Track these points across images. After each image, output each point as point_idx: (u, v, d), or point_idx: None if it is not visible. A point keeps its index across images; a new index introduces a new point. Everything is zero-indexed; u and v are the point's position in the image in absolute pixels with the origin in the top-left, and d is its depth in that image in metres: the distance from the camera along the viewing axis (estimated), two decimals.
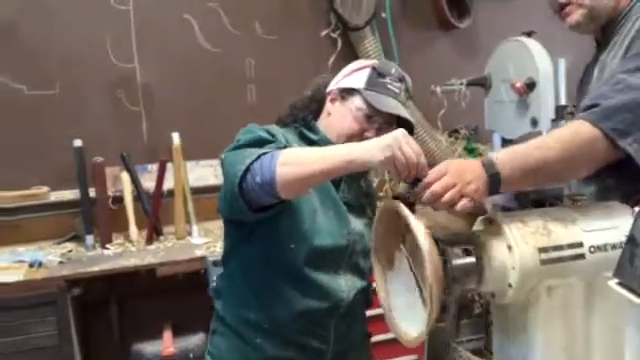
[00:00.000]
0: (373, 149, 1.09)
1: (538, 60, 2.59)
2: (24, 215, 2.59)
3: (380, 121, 1.34)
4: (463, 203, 1.06)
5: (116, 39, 2.71)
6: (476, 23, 3.31)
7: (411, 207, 1.09)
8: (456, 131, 3.29)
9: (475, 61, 3.08)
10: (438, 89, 2.90)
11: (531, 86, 2.62)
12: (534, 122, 2.62)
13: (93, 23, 2.67)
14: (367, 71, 1.38)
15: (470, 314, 2.98)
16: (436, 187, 1.07)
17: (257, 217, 1.22)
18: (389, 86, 1.35)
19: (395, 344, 2.61)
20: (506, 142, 2.91)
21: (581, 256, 1.10)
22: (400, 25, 3.13)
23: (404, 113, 1.32)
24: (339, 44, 2.99)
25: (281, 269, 1.31)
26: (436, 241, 1.07)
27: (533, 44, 2.64)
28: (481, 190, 1.09)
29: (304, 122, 1.43)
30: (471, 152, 3.33)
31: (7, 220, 2.57)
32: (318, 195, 1.34)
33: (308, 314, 1.32)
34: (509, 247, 1.08)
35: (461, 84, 2.90)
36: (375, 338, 2.49)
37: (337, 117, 1.37)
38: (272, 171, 1.12)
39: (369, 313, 1.53)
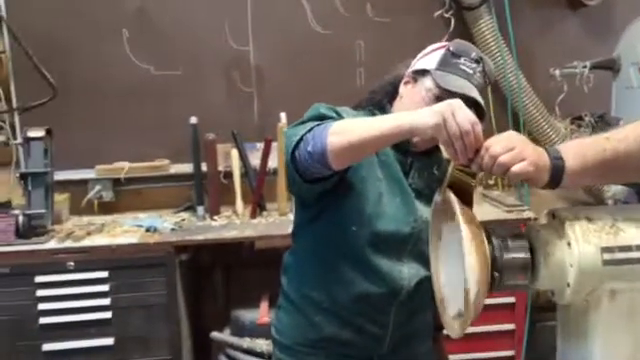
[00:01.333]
0: (423, 114, 1.07)
1: None
2: (148, 185, 2.87)
3: None
4: (523, 165, 0.98)
5: (234, 23, 2.86)
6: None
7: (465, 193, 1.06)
8: (580, 118, 3.04)
9: (606, 43, 2.82)
10: (557, 72, 2.71)
11: None
12: None
13: (214, 8, 2.85)
14: (441, 52, 1.34)
15: None
16: (496, 147, 1.01)
17: (312, 189, 1.25)
18: (462, 66, 1.29)
19: (490, 337, 2.54)
20: None
21: None
22: (522, 3, 2.93)
23: (474, 94, 1.26)
24: (452, 25, 2.89)
25: (344, 251, 1.32)
26: (487, 233, 1.04)
27: None
28: (541, 168, 1.01)
29: (379, 105, 1.42)
30: None
31: (134, 189, 2.86)
32: (386, 180, 1.34)
33: (367, 298, 1.32)
34: (569, 244, 1.01)
35: (584, 67, 2.69)
36: (470, 330, 2.44)
37: (408, 99, 1.35)
38: (323, 140, 1.13)
39: None
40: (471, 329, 2.47)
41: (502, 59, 2.85)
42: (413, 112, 1.11)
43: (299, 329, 1.39)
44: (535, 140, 2.98)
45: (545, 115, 2.90)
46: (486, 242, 1.01)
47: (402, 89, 1.38)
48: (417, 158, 1.38)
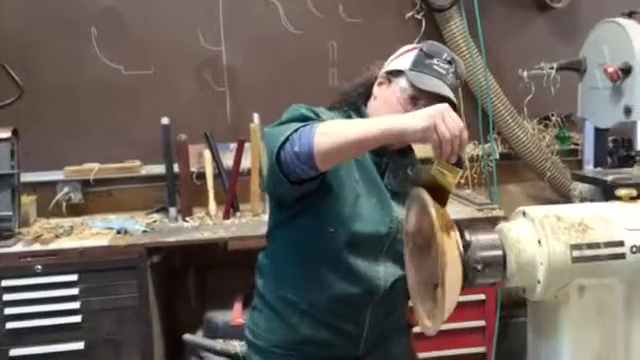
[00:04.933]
0: (413, 118, 1.10)
1: (636, 43, 2.38)
2: (118, 186, 2.83)
3: (425, 104, 1.30)
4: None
5: (206, 22, 2.83)
6: (576, 2, 3.08)
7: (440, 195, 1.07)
8: (547, 118, 3.11)
9: (573, 44, 2.88)
10: (525, 74, 2.76)
11: (626, 71, 2.42)
12: (627, 111, 2.42)
13: (186, 7, 2.82)
14: (415, 52, 1.36)
15: None
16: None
17: (296, 190, 1.25)
18: (435, 67, 1.32)
19: (461, 334, 2.58)
20: (599, 132, 2.71)
21: (621, 256, 1.03)
22: (491, 4, 2.98)
23: (448, 93, 1.29)
24: (423, 26, 2.92)
25: (320, 252, 1.33)
26: (461, 231, 1.05)
27: (631, 25, 2.43)
28: None
29: (354, 106, 1.43)
30: (563, 141, 3.15)
31: (104, 190, 2.82)
32: (363, 182, 1.35)
33: (344, 298, 1.33)
34: (539, 242, 1.03)
35: (551, 68, 2.74)
36: (440, 327, 2.47)
37: (382, 100, 1.37)
38: (310, 141, 1.13)
39: None
40: (442, 326, 2.49)
41: (472, 60, 2.89)
42: (403, 115, 1.14)
43: (276, 331, 1.39)
44: (504, 140, 3.04)
45: (514, 115, 2.95)
46: (459, 239, 1.03)
47: (376, 90, 1.40)
48: (392, 159, 1.40)
